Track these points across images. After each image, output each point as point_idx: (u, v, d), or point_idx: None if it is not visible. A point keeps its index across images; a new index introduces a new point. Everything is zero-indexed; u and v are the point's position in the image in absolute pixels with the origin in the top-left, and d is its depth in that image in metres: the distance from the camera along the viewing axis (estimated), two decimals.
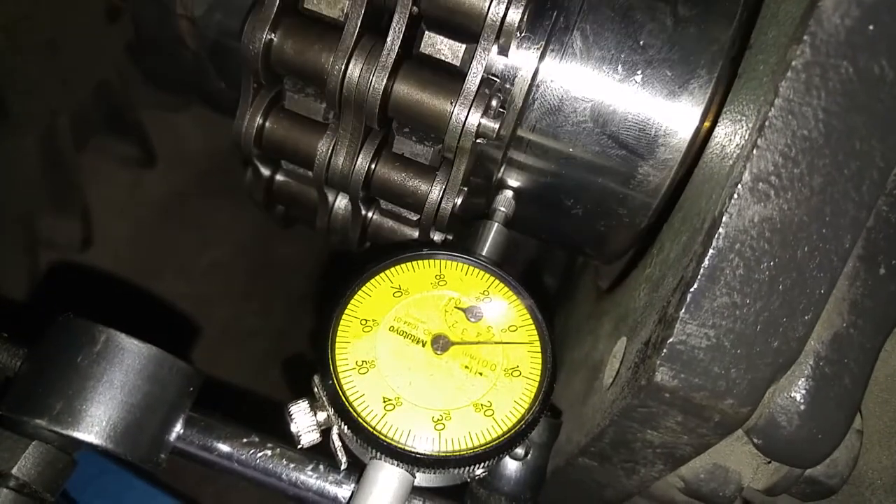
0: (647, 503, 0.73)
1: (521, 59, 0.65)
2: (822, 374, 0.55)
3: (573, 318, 0.88)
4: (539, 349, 0.58)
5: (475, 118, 0.61)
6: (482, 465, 0.54)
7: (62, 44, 0.92)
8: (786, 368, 0.53)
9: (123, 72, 1.04)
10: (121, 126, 1.11)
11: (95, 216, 1.10)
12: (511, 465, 0.63)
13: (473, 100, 0.61)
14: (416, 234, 0.73)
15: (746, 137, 0.52)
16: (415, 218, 0.72)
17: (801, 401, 0.55)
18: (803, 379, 0.55)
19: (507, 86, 0.65)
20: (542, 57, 0.65)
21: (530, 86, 0.65)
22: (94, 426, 0.47)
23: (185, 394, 0.54)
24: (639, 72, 0.65)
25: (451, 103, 0.61)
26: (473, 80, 0.61)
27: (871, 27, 0.49)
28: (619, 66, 0.65)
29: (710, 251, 0.51)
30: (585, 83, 0.65)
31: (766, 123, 0.50)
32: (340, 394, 0.53)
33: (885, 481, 0.69)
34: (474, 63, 0.60)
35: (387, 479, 0.53)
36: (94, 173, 1.10)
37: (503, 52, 0.62)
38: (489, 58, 0.62)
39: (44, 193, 1.02)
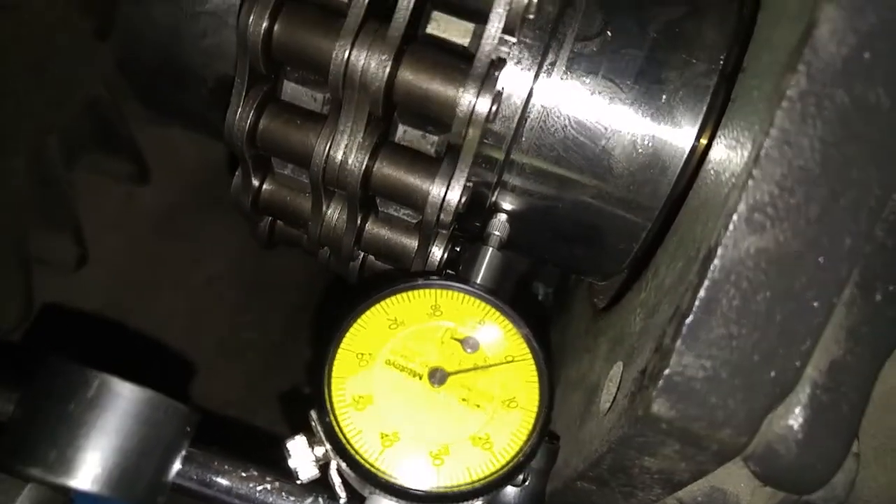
0: None
1: (515, 81, 0.64)
2: (819, 403, 0.54)
3: (569, 334, 0.88)
4: (536, 379, 0.58)
5: (484, 104, 0.59)
6: (481, 499, 0.54)
7: (50, 63, 0.92)
8: (783, 397, 0.53)
9: (113, 88, 1.03)
10: (112, 142, 1.10)
11: (89, 233, 1.10)
12: (509, 491, 0.63)
13: (482, 83, 0.59)
14: (414, 242, 0.72)
15: (741, 167, 0.52)
16: (415, 221, 0.71)
17: (799, 429, 0.55)
18: (800, 407, 0.55)
19: (501, 108, 0.64)
20: (535, 78, 0.65)
21: (524, 108, 0.65)
22: (88, 474, 0.47)
23: (181, 434, 0.54)
24: (632, 93, 0.64)
25: (460, 88, 0.59)
26: (483, 61, 0.59)
27: (866, 55, 0.49)
28: (613, 87, 0.64)
29: (706, 282, 0.51)
30: (579, 104, 0.65)
31: (762, 153, 0.50)
32: (338, 431, 0.53)
33: (881, 499, 0.69)
34: (483, 44, 0.58)
35: None
36: (87, 190, 1.09)
37: (510, 32, 0.60)
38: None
39: (36, 213, 1.01)
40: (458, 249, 0.73)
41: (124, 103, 1.05)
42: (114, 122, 1.08)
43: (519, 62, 0.64)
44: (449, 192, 0.62)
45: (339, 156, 0.62)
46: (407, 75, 0.60)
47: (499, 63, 0.61)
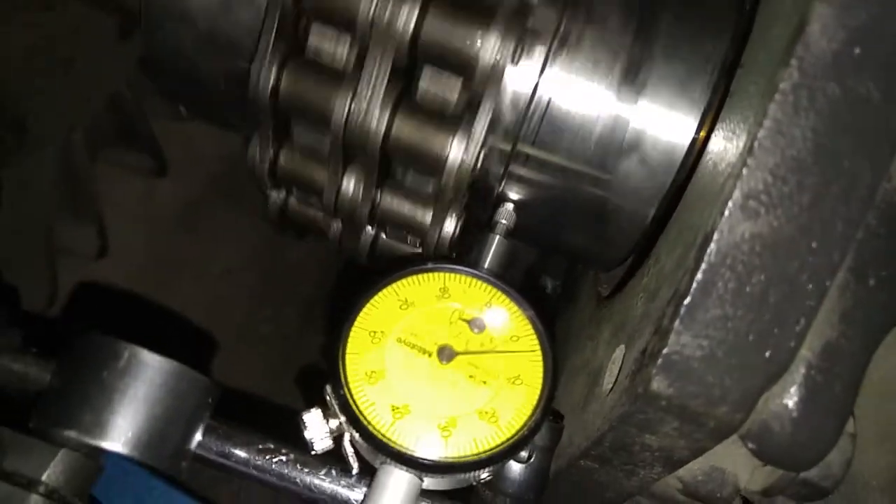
0: (648, 502, 0.75)
1: (521, 74, 0.67)
2: (813, 382, 0.57)
3: (574, 322, 0.91)
4: (540, 358, 0.61)
5: (470, 158, 0.63)
6: (487, 469, 0.56)
7: (77, 62, 0.96)
8: (778, 377, 0.55)
9: (134, 84, 1.07)
10: (133, 137, 1.14)
11: (111, 225, 1.14)
12: (515, 468, 0.66)
13: (468, 141, 0.63)
14: (428, 214, 0.74)
15: (737, 156, 0.55)
16: (431, 187, 0.74)
17: (793, 408, 0.57)
18: (795, 387, 0.57)
19: (507, 100, 0.67)
20: (541, 71, 0.67)
21: (530, 100, 0.68)
22: (120, 437, 0.51)
23: (203, 405, 0.57)
24: (636, 86, 0.67)
25: (448, 144, 0.64)
26: (469, 121, 0.63)
27: (856, 50, 0.51)
28: (618, 79, 0.67)
29: (703, 266, 0.53)
30: (584, 96, 0.68)
31: (756, 144, 0.52)
32: (352, 403, 0.56)
33: (880, 482, 0.71)
34: (470, 105, 0.63)
35: (396, 483, 0.56)
36: (109, 184, 1.13)
37: (496, 86, 0.65)
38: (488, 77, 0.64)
39: (62, 205, 1.05)
40: (469, 227, 0.75)
41: (145, 99, 1.09)
42: (134, 118, 1.12)
43: (525, 54, 0.66)
44: (467, 151, 0.65)
45: (361, 111, 0.65)
46: (433, 21, 0.63)
47: (524, 9, 0.64)
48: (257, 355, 1.27)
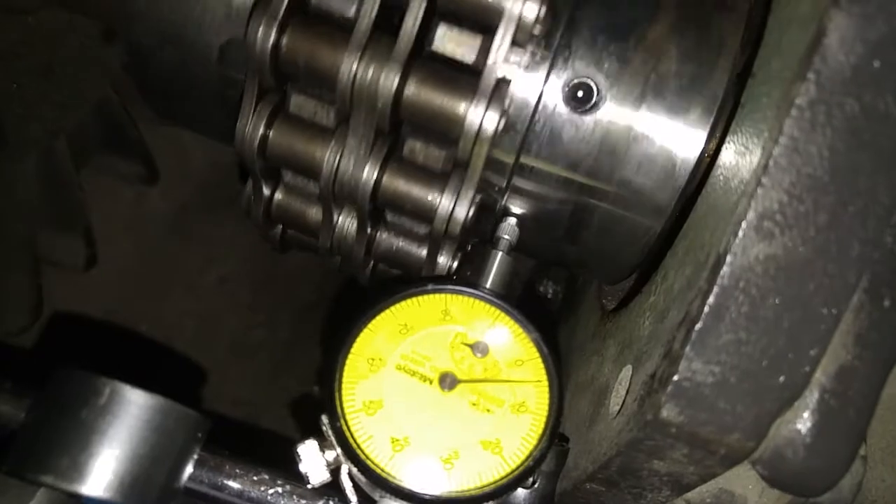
0: None
1: (525, 85, 0.65)
2: (827, 407, 0.55)
3: (577, 336, 0.89)
4: (546, 384, 0.58)
5: (491, 121, 0.59)
6: (491, 502, 0.54)
7: (59, 66, 0.92)
8: (791, 402, 0.53)
9: (122, 90, 1.04)
10: (122, 143, 1.10)
11: (99, 235, 1.10)
12: (519, 493, 0.64)
13: (490, 101, 0.59)
14: (424, 251, 0.72)
15: (751, 174, 0.52)
16: (424, 231, 0.71)
17: (807, 433, 0.55)
18: (808, 412, 0.55)
19: (511, 111, 0.65)
20: (545, 81, 0.65)
21: (534, 112, 0.65)
22: (101, 481, 0.48)
23: (192, 440, 0.55)
24: (641, 98, 0.65)
25: (467, 103, 0.60)
26: (489, 77, 0.59)
27: (876, 63, 0.49)
28: (622, 92, 0.64)
29: (715, 289, 0.51)
30: (587, 106, 0.65)
31: (771, 162, 0.50)
32: (348, 436, 0.54)
33: (888, 500, 0.69)
34: (490, 59, 0.59)
35: None
36: (97, 192, 1.10)
37: (520, 45, 0.61)
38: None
39: (46, 215, 1.02)
40: (468, 249, 0.73)
41: (132, 105, 1.06)
42: (122, 124, 1.08)
43: (529, 66, 0.64)
44: (457, 207, 0.63)
45: (349, 170, 0.63)
46: (414, 92, 0.60)
47: (506, 80, 0.61)
48: (252, 364, 1.24)
